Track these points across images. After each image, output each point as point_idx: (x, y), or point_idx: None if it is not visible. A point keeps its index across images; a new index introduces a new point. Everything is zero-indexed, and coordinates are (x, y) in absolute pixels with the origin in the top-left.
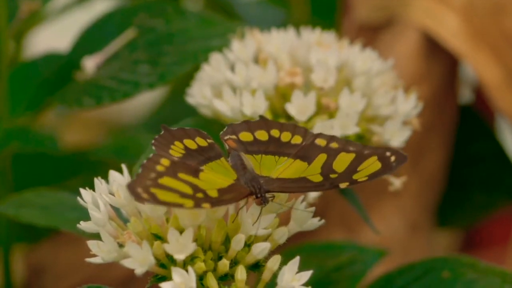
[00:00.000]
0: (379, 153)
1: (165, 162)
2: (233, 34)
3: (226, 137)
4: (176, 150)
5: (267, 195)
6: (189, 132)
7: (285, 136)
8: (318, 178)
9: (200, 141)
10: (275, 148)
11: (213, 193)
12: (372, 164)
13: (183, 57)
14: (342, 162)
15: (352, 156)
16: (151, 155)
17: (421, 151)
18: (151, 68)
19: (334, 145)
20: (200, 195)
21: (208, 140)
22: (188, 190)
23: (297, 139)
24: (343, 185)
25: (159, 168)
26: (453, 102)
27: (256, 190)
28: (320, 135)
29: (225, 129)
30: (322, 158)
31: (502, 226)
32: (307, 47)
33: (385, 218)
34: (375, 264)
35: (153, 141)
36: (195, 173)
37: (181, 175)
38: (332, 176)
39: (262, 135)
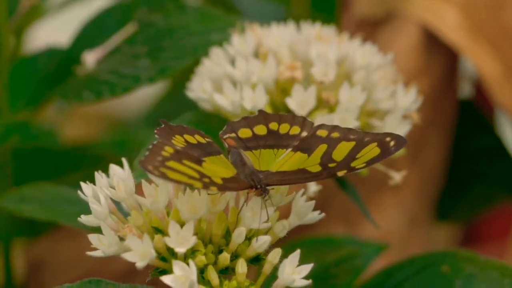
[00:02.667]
0: (379, 138)
1: (169, 149)
2: (233, 29)
3: (225, 136)
4: (177, 142)
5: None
6: (188, 129)
7: (284, 128)
8: (316, 168)
9: (199, 138)
10: (274, 141)
11: (218, 180)
12: (371, 150)
13: (183, 52)
14: (341, 151)
15: (352, 144)
16: (154, 142)
17: (420, 146)
18: (151, 63)
19: (335, 135)
20: (206, 180)
21: (207, 139)
22: (194, 174)
23: (295, 130)
24: (341, 173)
25: (165, 153)
26: (453, 96)
27: (256, 183)
28: (322, 126)
29: (224, 128)
30: (322, 148)
31: (501, 220)
32: (307, 41)
33: (385, 213)
34: (375, 258)
35: (155, 131)
36: (199, 162)
37: (186, 162)
38: (331, 165)
39: (260, 130)
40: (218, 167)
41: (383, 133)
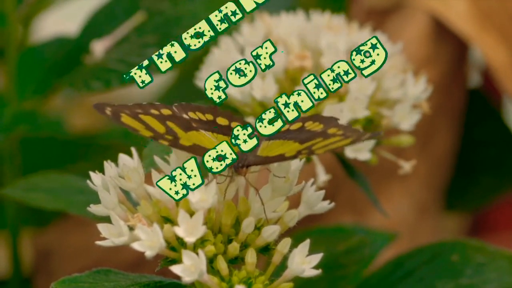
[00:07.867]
0: (356, 139)
1: (165, 111)
2: None
3: None
4: (193, 115)
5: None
6: (218, 111)
7: (313, 126)
8: (291, 153)
9: (222, 120)
10: (294, 134)
11: (186, 143)
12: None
13: None
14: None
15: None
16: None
17: (429, 134)
18: None
19: (338, 132)
20: (169, 136)
21: (235, 122)
22: (161, 129)
23: (318, 126)
24: (302, 156)
25: (153, 111)
26: (462, 85)
27: (237, 162)
28: (334, 124)
29: None
30: (316, 141)
31: (509, 210)
32: (317, 30)
33: (394, 202)
34: (384, 247)
35: (175, 104)
36: (187, 128)
37: (169, 123)
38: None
39: (296, 125)
40: (210, 142)
41: (364, 133)
